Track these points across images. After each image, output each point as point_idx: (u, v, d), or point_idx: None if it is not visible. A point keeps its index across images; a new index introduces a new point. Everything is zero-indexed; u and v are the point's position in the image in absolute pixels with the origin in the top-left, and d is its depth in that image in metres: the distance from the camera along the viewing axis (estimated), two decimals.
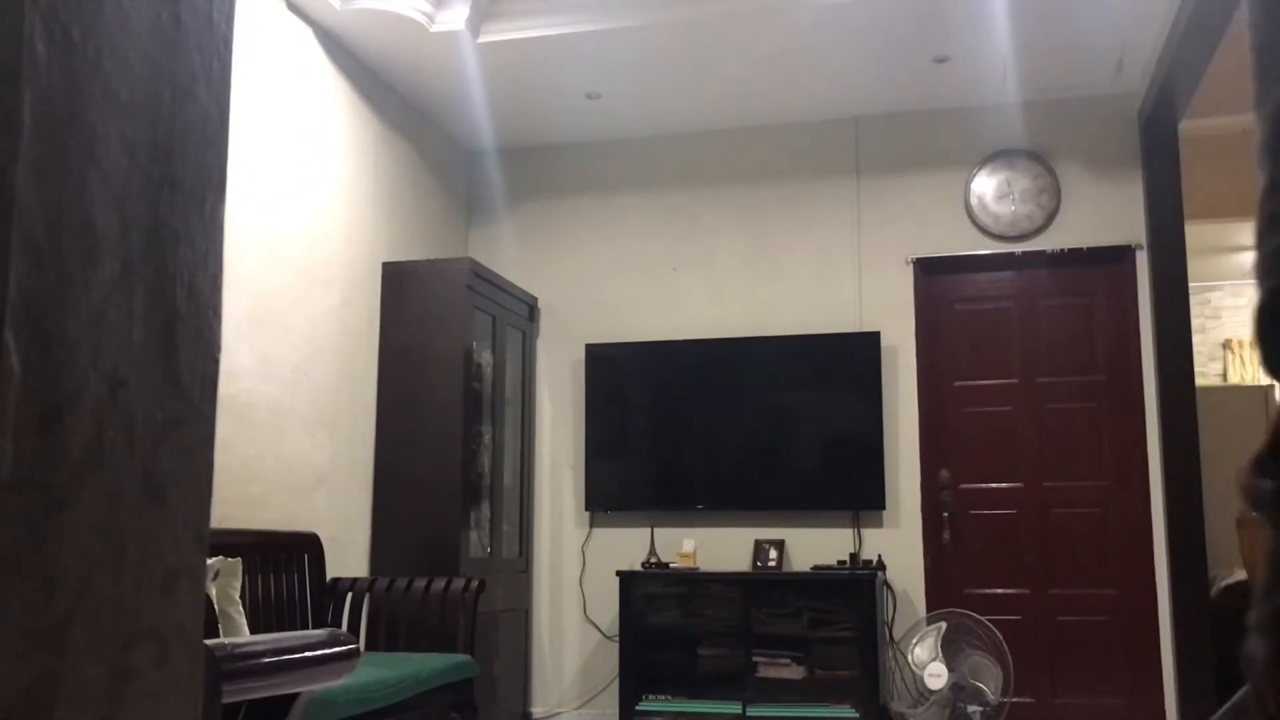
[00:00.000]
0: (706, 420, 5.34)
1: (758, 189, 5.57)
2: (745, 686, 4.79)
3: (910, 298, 5.31)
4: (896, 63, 4.91)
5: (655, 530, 5.36)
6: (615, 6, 4.53)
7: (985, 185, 5.32)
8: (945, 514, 5.18)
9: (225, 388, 3.78)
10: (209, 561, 2.98)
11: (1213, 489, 5.15)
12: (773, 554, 5.12)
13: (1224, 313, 9.19)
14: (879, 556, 5.06)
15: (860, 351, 5.20)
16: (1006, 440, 5.22)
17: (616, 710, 5.00)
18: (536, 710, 5.44)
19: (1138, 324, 5.08)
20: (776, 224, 5.52)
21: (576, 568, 5.50)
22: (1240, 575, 5.13)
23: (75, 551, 0.68)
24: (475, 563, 4.81)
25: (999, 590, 5.13)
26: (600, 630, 5.40)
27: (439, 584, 4.04)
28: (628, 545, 5.40)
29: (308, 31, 4.47)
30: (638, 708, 4.86)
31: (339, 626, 4.06)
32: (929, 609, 5.01)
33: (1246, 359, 9.05)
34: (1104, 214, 5.19)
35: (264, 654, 1.94)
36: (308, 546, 4.07)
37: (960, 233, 5.32)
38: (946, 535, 5.17)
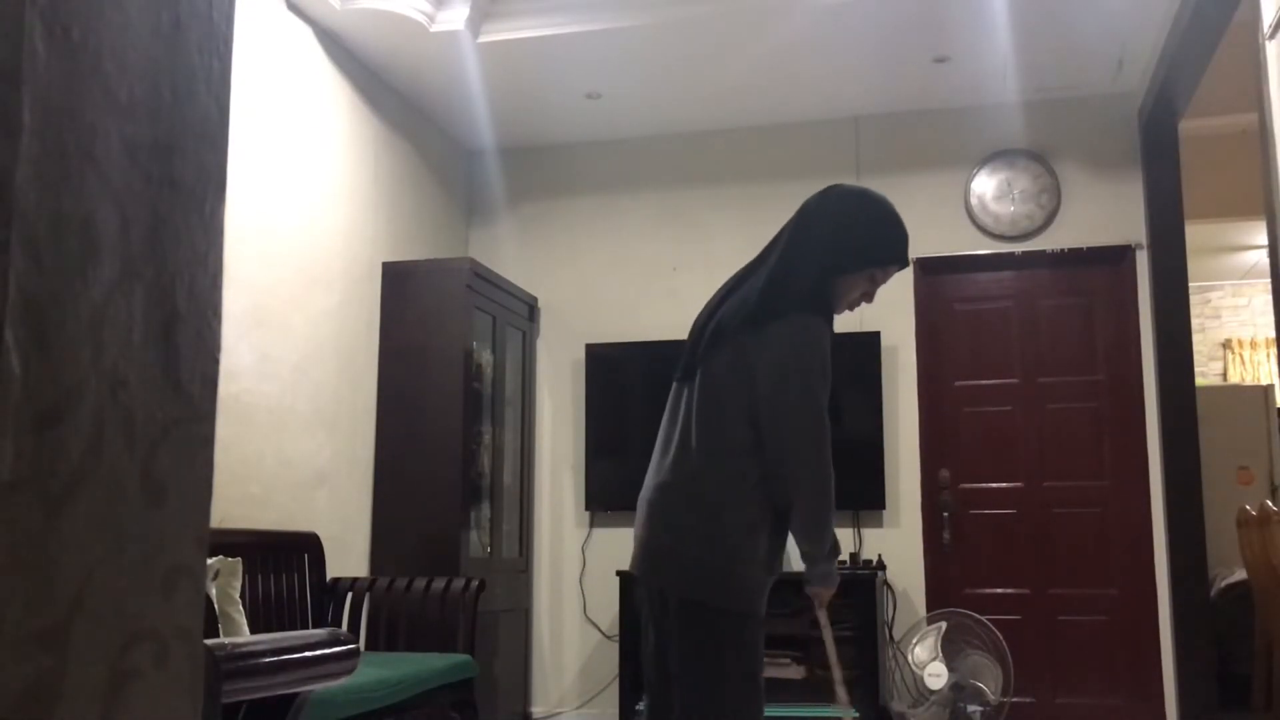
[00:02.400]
0: None
1: (758, 189, 5.57)
2: None
3: (910, 298, 5.30)
4: (896, 63, 4.91)
5: None
6: (615, 6, 4.53)
7: (985, 185, 5.32)
8: (945, 514, 5.18)
9: (225, 388, 3.78)
10: (209, 561, 2.98)
11: (1213, 489, 5.15)
12: None
13: (1224, 313, 9.19)
14: (879, 556, 5.05)
15: (860, 351, 5.19)
16: (1006, 440, 5.22)
17: (616, 710, 4.99)
18: (536, 710, 5.44)
19: (1138, 324, 5.08)
20: (776, 224, 5.48)
21: (576, 568, 5.49)
22: (1240, 575, 5.13)
23: (75, 551, 0.68)
24: (475, 563, 4.81)
25: (999, 590, 5.13)
26: (600, 630, 5.40)
27: (439, 584, 4.04)
28: (628, 545, 5.38)
29: (308, 31, 4.47)
30: (638, 707, 4.85)
31: (339, 626, 4.06)
32: (929, 609, 5.01)
33: (1246, 359, 9.06)
34: (1104, 214, 5.19)
35: (264, 654, 1.94)
36: (308, 546, 4.07)
37: (960, 233, 5.32)
38: (946, 535, 5.17)
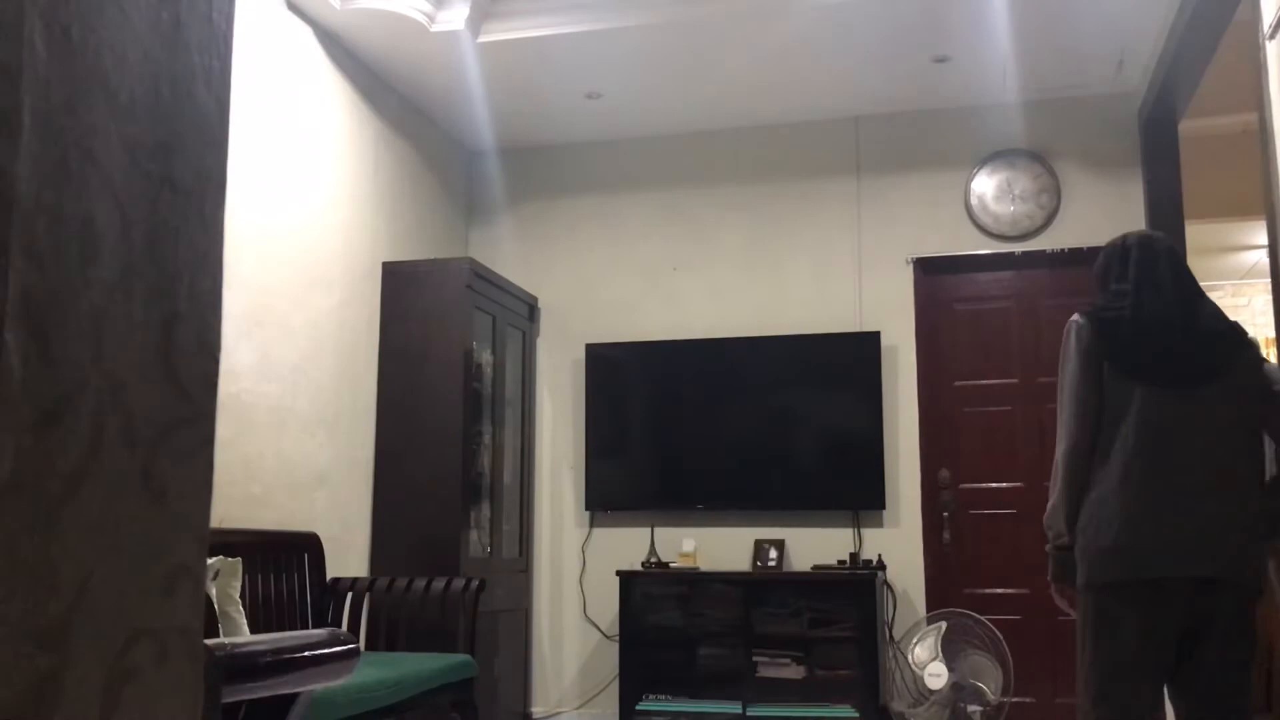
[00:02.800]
0: (706, 420, 5.34)
1: (758, 189, 5.57)
2: (745, 686, 4.79)
3: (910, 298, 5.30)
4: (896, 63, 4.90)
5: (655, 530, 5.36)
6: (615, 6, 4.53)
7: (985, 185, 5.31)
8: (945, 514, 5.18)
9: (225, 388, 3.78)
10: (209, 561, 2.98)
11: None
12: (773, 554, 5.11)
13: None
14: (879, 556, 5.05)
15: (860, 351, 5.19)
16: (1006, 440, 5.22)
17: (616, 710, 4.99)
18: (536, 710, 5.44)
19: None
20: (776, 224, 5.52)
21: (576, 568, 5.49)
22: None
23: (75, 551, 0.68)
24: (475, 563, 4.81)
25: (999, 590, 5.13)
26: (600, 630, 5.40)
27: (439, 584, 4.04)
28: (628, 545, 5.40)
29: (308, 31, 4.47)
30: (638, 708, 4.86)
31: (339, 626, 4.06)
32: (929, 609, 5.01)
33: None
34: (1104, 214, 5.19)
35: (264, 654, 1.93)
36: (308, 546, 4.07)
37: (960, 233, 5.32)
38: (946, 535, 5.17)
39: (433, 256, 5.30)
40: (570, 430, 5.60)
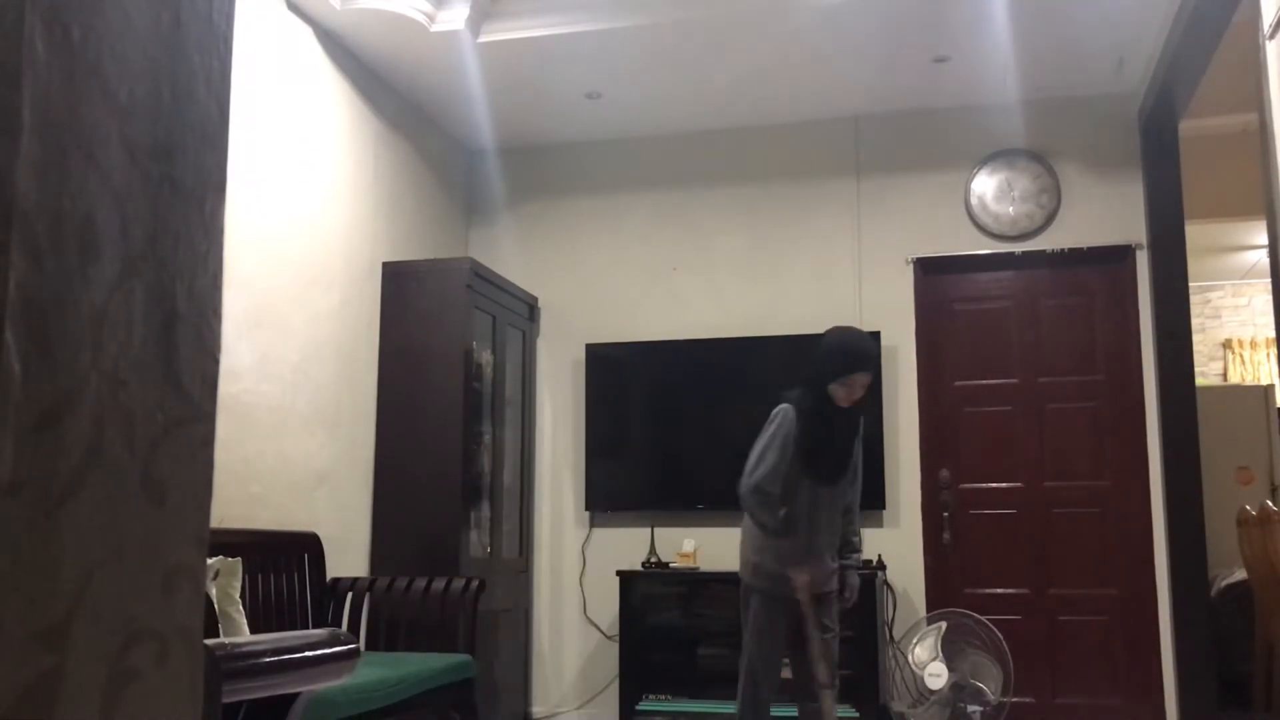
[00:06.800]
0: (706, 420, 5.34)
1: (758, 189, 5.57)
2: None
3: (910, 298, 5.30)
4: (896, 63, 4.90)
5: (655, 530, 5.36)
6: (615, 6, 4.53)
7: (985, 185, 5.31)
8: (945, 514, 5.18)
9: (225, 388, 3.78)
10: (209, 561, 2.98)
11: (1213, 489, 5.15)
12: None
13: (1224, 313, 9.18)
14: (879, 556, 5.05)
15: None
16: (1006, 440, 5.22)
17: (616, 710, 4.99)
18: (536, 710, 5.44)
19: (1138, 324, 5.08)
20: (776, 224, 5.52)
21: (576, 568, 5.49)
22: (1240, 575, 5.12)
23: (75, 551, 0.68)
24: (475, 563, 4.80)
25: (999, 590, 5.13)
26: (600, 630, 5.40)
27: (439, 584, 4.04)
28: (628, 545, 5.39)
29: (308, 31, 4.47)
30: (638, 708, 4.85)
31: (339, 626, 4.06)
32: (929, 609, 5.01)
33: (1246, 359, 9.05)
34: (1104, 214, 5.19)
35: (264, 654, 1.93)
36: (308, 546, 4.07)
37: (960, 233, 5.32)
38: (946, 535, 5.17)
39: (433, 256, 5.30)
40: (570, 430, 5.60)
